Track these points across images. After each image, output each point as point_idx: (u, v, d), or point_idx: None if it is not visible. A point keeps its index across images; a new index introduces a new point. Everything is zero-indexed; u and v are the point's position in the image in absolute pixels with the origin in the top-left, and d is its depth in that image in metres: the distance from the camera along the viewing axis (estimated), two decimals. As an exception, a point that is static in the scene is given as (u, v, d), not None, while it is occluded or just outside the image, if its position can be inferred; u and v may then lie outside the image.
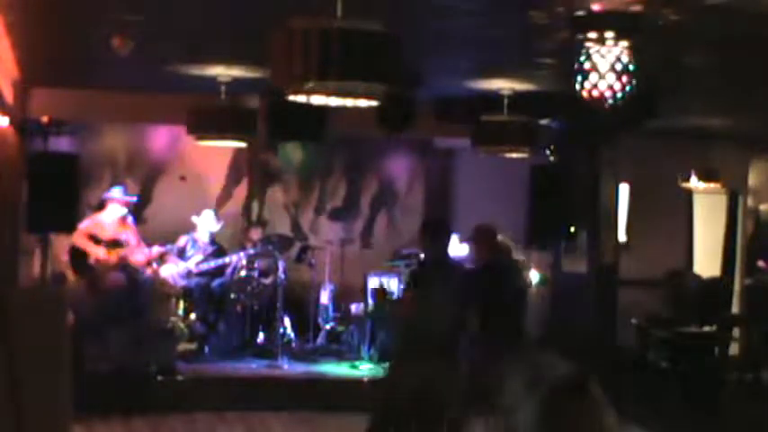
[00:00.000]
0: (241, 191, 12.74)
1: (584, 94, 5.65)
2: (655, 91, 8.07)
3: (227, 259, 11.39)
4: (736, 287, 12.83)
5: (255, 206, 12.80)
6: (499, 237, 8.82)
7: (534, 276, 11.39)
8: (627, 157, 11.05)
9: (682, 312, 11.55)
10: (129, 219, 11.07)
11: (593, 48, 5.57)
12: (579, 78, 5.64)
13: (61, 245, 11.05)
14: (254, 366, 10.70)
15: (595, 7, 5.46)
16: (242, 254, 11.37)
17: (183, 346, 10.85)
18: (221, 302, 11.40)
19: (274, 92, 4.90)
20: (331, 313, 11.73)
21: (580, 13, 5.54)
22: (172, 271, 11.27)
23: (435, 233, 7.44)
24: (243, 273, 11.31)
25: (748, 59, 7.14)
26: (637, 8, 5.46)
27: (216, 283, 11.42)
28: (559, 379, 1.85)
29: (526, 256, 10.99)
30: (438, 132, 11.36)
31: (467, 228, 11.83)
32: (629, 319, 11.16)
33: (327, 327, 11.60)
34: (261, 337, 11.37)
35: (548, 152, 10.62)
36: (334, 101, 4.61)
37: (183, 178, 12.46)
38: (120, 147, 12.31)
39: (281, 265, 11.11)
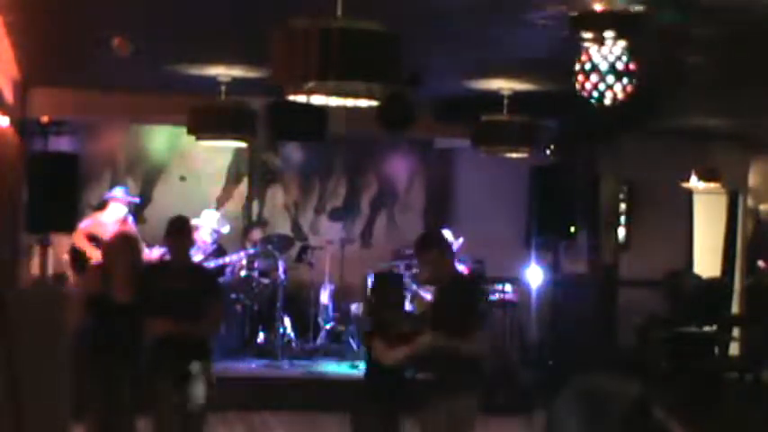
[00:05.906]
0: (241, 191, 12.74)
1: (585, 93, 5.65)
2: (655, 91, 8.07)
3: (227, 259, 11.38)
4: (736, 287, 12.82)
5: (255, 206, 12.79)
6: None
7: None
8: (627, 157, 11.04)
9: (682, 312, 11.53)
10: (130, 219, 11.07)
11: (592, 48, 5.58)
12: (579, 78, 5.65)
13: (61, 245, 11.04)
14: (254, 366, 10.69)
15: (595, 7, 5.47)
16: (242, 254, 11.36)
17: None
18: (221, 302, 11.38)
19: (274, 92, 4.90)
20: (331, 313, 11.72)
21: (580, 12, 5.54)
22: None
23: None
24: (243, 273, 11.30)
25: (748, 59, 7.14)
26: (636, 8, 5.46)
27: (216, 282, 11.40)
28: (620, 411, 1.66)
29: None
30: (438, 132, 11.34)
31: (467, 227, 11.88)
32: (629, 319, 11.15)
33: (327, 326, 11.58)
34: (261, 337, 11.35)
35: (548, 152, 10.61)
36: (334, 101, 4.62)
37: (183, 178, 12.45)
38: (120, 147, 12.31)
39: (281, 265, 11.10)
